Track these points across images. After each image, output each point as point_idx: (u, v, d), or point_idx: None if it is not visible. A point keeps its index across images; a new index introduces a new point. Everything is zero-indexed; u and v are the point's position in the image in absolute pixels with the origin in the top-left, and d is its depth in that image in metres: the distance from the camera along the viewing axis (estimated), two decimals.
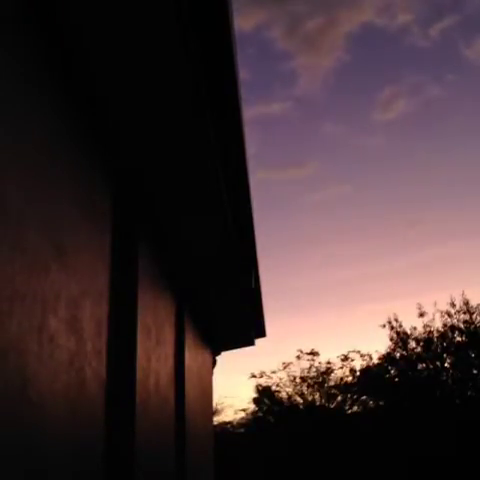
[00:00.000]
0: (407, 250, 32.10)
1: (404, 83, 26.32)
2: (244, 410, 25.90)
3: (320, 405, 23.86)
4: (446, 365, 20.92)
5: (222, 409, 24.54)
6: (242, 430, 26.41)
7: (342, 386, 23.83)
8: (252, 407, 25.45)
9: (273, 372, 24.51)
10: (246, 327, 9.02)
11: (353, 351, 24.03)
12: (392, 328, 21.76)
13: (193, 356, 7.40)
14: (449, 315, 21.05)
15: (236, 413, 26.40)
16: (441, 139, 26.83)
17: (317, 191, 30.32)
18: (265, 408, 25.04)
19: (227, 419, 25.60)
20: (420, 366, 21.27)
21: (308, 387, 24.26)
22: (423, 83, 25.54)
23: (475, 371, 20.29)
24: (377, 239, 32.60)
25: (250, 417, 25.96)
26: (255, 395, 24.86)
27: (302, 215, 31.51)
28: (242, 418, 26.16)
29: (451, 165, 27.99)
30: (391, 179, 29.39)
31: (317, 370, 24.29)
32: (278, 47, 24.48)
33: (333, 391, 23.98)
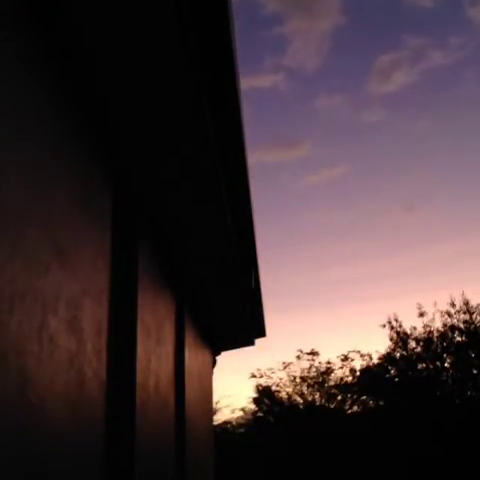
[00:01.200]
0: (407, 250, 32.10)
1: (404, 49, 24.65)
2: (242, 409, 25.90)
3: (320, 405, 23.86)
4: (446, 365, 20.92)
5: (219, 408, 24.54)
6: (242, 430, 26.41)
7: (342, 386, 23.83)
8: (250, 406, 25.45)
9: (269, 369, 24.49)
10: (246, 327, 9.02)
11: (353, 351, 24.05)
12: (392, 328, 21.76)
13: (193, 356, 7.40)
14: (449, 315, 21.06)
15: (233, 412, 26.39)
16: (443, 114, 25.24)
17: (311, 175, 28.97)
18: (265, 408, 25.04)
19: (224, 418, 25.59)
20: (420, 366, 21.27)
21: (308, 387, 24.26)
22: (425, 48, 23.93)
23: (475, 371, 20.29)
24: (377, 239, 32.57)
25: (250, 417, 25.96)
26: (255, 395, 24.86)
27: (300, 213, 31.24)
28: (240, 417, 26.17)
29: (454, 150, 26.77)
30: (389, 162, 28.15)
31: (317, 370, 24.29)
32: (267, 10, 22.49)
33: (333, 391, 23.98)
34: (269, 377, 24.80)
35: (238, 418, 26.33)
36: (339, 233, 32.43)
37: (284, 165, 29.27)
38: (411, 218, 31.23)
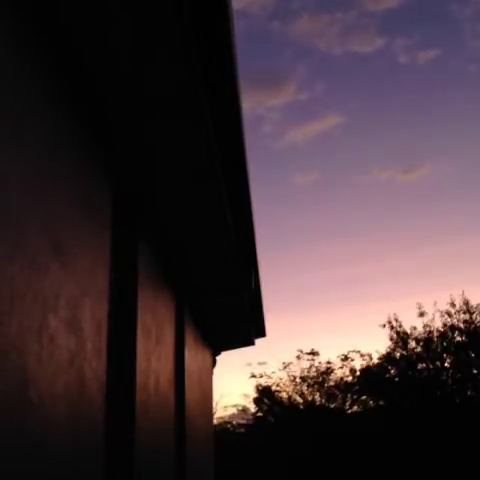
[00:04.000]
0: (407, 250, 32.09)
1: None
2: (235, 406, 25.90)
3: (320, 405, 23.87)
4: (446, 365, 20.93)
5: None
6: (242, 430, 26.42)
7: (342, 386, 23.85)
8: (243, 402, 25.49)
9: (262, 363, 24.49)
10: (246, 327, 9.02)
11: (353, 351, 24.07)
12: (392, 328, 21.79)
13: (193, 356, 7.39)
14: (449, 315, 21.09)
15: (226, 410, 26.41)
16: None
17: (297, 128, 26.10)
18: (265, 408, 25.05)
19: (217, 415, 25.60)
20: (420, 366, 21.28)
21: (308, 387, 24.28)
22: None
23: (475, 371, 20.30)
24: (377, 239, 32.56)
25: (250, 417, 25.97)
26: (247, 392, 24.89)
27: (299, 209, 30.61)
28: (239, 417, 26.16)
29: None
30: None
31: (317, 370, 24.32)
32: None
33: (333, 391, 23.99)
34: (269, 377, 24.82)
35: (232, 416, 26.35)
36: (339, 233, 32.44)
37: (265, 114, 25.92)
38: (411, 218, 31.20)
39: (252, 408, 25.66)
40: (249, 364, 25.07)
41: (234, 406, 26.67)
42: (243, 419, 26.53)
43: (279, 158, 29.15)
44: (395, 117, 27.08)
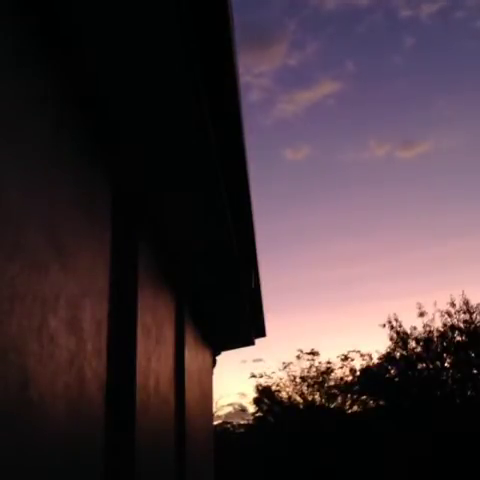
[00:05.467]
0: (407, 250, 32.09)
1: None
2: (231, 405, 25.90)
3: (320, 405, 23.87)
4: (446, 365, 20.93)
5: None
6: (242, 430, 26.42)
7: (342, 386, 23.85)
8: (239, 402, 25.50)
9: (257, 360, 24.48)
10: (246, 327, 9.02)
11: (353, 351, 24.07)
12: (392, 328, 21.79)
13: (193, 356, 7.40)
14: (449, 315, 21.08)
15: (222, 409, 26.42)
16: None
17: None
18: (265, 408, 25.05)
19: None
20: (420, 366, 21.28)
21: (308, 387, 24.28)
22: None
23: (475, 371, 20.30)
24: (377, 239, 32.55)
25: (250, 417, 25.99)
26: (252, 393, 24.91)
27: (299, 206, 29.80)
28: (230, 413, 26.13)
29: None
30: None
31: (317, 370, 24.32)
32: None
33: (333, 391, 23.99)
34: (269, 377, 24.82)
35: (229, 415, 26.35)
36: (339, 233, 32.44)
37: (252, 81, 22.70)
38: (411, 218, 31.17)
39: (248, 406, 25.68)
40: (244, 361, 25.08)
41: (230, 405, 26.65)
42: (243, 419, 26.56)
43: (268, 132, 26.61)
44: (395, 82, 24.33)
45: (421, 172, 27.27)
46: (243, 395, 26.64)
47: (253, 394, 24.94)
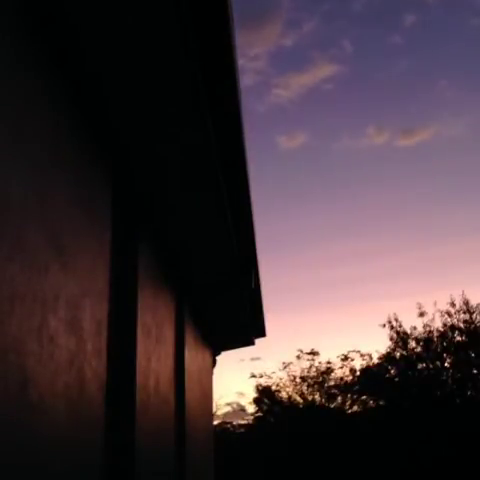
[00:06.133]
0: (407, 250, 32.10)
1: None
2: (230, 404, 25.87)
3: (320, 405, 23.87)
4: (446, 365, 20.92)
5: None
6: (242, 430, 26.43)
7: (342, 386, 23.85)
8: (238, 401, 25.49)
9: (255, 358, 24.43)
10: (246, 327, 9.02)
11: (353, 351, 24.08)
12: (392, 328, 21.78)
13: (193, 356, 7.40)
14: (449, 315, 21.07)
15: (220, 408, 26.40)
16: None
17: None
18: (265, 408, 25.06)
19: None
20: (420, 366, 21.28)
21: (308, 387, 24.28)
22: None
23: (475, 371, 20.29)
24: (377, 239, 32.54)
25: (250, 417, 25.99)
26: (251, 393, 24.92)
27: (299, 206, 29.34)
28: (228, 413, 26.13)
29: None
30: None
31: (317, 370, 24.32)
32: None
33: (333, 391, 23.99)
34: (269, 377, 24.83)
35: (227, 415, 26.35)
36: (339, 233, 32.43)
37: (245, 65, 20.98)
38: (411, 218, 31.15)
39: (247, 406, 25.68)
40: (242, 360, 25.02)
41: (228, 404, 26.59)
42: (242, 419, 26.56)
43: (262, 118, 25.26)
44: (395, 63, 22.81)
45: (422, 161, 26.17)
46: (241, 394, 26.69)
47: (252, 393, 24.98)
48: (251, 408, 25.67)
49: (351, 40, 22.60)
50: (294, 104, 24.18)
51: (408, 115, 25.60)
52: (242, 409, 26.82)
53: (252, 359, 24.51)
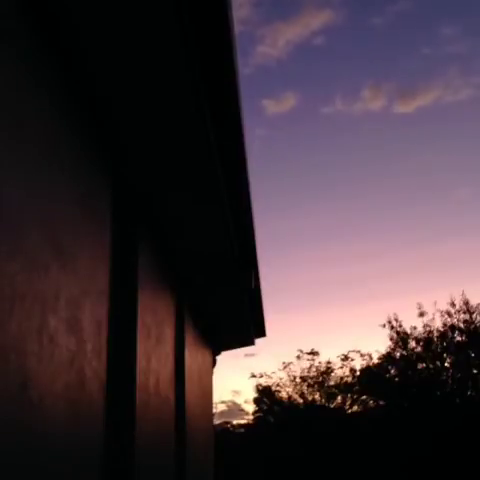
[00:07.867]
0: (407, 249, 32.10)
1: None
2: (225, 402, 25.84)
3: (320, 405, 23.86)
4: (446, 365, 20.92)
5: None
6: (242, 430, 26.43)
7: (342, 386, 23.85)
8: (233, 399, 25.51)
9: (249, 355, 24.40)
10: (246, 327, 9.02)
11: (353, 351, 24.08)
12: (392, 328, 21.79)
13: (193, 356, 7.40)
14: (449, 315, 21.07)
15: (216, 407, 26.41)
16: None
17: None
18: (265, 408, 25.06)
19: None
20: (420, 366, 21.28)
21: (308, 387, 24.28)
22: None
23: (475, 371, 20.29)
24: (377, 239, 32.55)
25: (250, 417, 25.99)
26: (250, 393, 24.93)
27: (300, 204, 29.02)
28: (223, 411, 26.10)
29: None
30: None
31: (317, 370, 24.32)
32: None
33: (333, 391, 23.99)
34: (269, 377, 24.83)
35: (222, 413, 26.34)
36: (339, 233, 32.44)
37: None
38: (411, 217, 31.14)
39: (243, 404, 25.68)
40: (236, 356, 25.00)
41: (223, 402, 26.53)
42: (238, 418, 26.56)
43: (246, 78, 23.67)
44: (392, 10, 20.27)
45: (421, 127, 23.46)
46: (236, 393, 26.65)
47: (247, 391, 24.98)
48: (247, 406, 25.67)
49: None
50: (281, 64, 22.31)
51: (407, 74, 23.27)
52: (241, 409, 26.83)
53: (246, 355, 24.43)
